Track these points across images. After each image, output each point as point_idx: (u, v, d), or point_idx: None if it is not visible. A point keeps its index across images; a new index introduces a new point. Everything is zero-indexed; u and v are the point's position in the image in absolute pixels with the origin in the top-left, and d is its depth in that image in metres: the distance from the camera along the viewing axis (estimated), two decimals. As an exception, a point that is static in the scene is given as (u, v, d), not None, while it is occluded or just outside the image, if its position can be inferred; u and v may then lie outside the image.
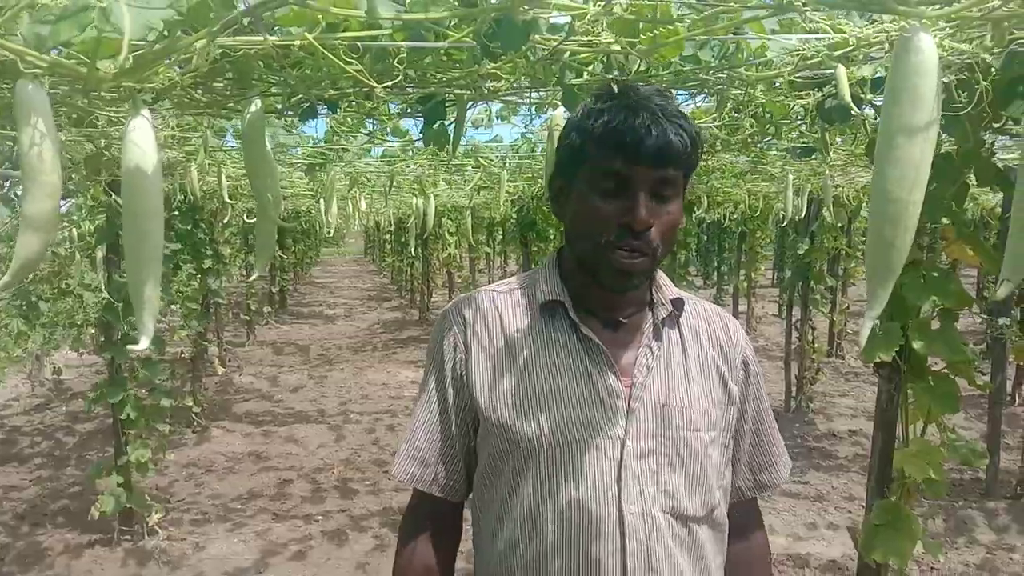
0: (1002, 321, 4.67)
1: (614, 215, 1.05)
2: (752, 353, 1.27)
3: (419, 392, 1.23)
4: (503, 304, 1.19)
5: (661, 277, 1.21)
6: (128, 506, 3.91)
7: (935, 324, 2.04)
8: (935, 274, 1.99)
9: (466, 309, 1.20)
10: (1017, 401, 6.49)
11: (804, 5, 0.70)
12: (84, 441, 5.82)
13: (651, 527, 1.08)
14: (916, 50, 0.70)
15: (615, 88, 1.08)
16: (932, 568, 3.66)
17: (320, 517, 4.41)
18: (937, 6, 0.72)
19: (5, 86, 1.21)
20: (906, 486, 2.09)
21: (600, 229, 1.06)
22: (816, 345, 6.32)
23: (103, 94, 1.03)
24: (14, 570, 3.74)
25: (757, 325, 10.92)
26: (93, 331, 7.49)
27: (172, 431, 4.80)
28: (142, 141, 0.86)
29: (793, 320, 6.45)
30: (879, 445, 2.19)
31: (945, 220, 1.94)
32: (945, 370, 2.04)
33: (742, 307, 10.88)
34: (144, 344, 0.88)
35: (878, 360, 2.05)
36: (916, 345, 2.00)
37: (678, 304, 1.19)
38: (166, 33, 0.79)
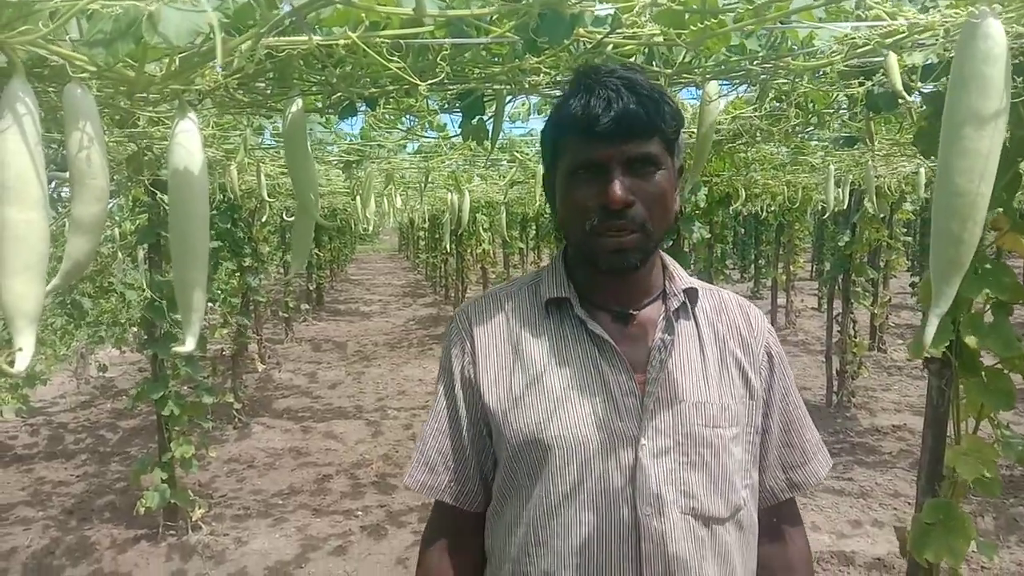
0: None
1: (593, 199, 1.03)
2: (777, 343, 1.21)
3: (433, 401, 1.20)
4: (509, 305, 1.17)
5: (674, 267, 1.18)
6: (172, 502, 3.98)
7: (987, 317, 1.98)
8: (988, 266, 1.93)
9: (473, 313, 1.17)
10: (1068, 395, 6.31)
11: (865, -9, 0.68)
12: (128, 437, 5.94)
13: (669, 529, 1.04)
14: (984, 36, 0.67)
15: (576, 76, 1.06)
16: (983, 567, 3.57)
17: (360, 512, 4.44)
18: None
19: (51, 89, 1.22)
20: (957, 484, 2.04)
21: (583, 216, 1.04)
22: (858, 339, 6.20)
23: (147, 95, 1.03)
24: (64, 563, 3.82)
25: (796, 319, 10.76)
26: (136, 329, 7.64)
27: (214, 427, 4.87)
28: (189, 143, 0.86)
29: (834, 313, 6.33)
30: (929, 442, 2.13)
31: (998, 210, 1.88)
32: (998, 365, 1.98)
33: (780, 300, 10.73)
34: (191, 346, 0.89)
35: (927, 355, 1.99)
36: (968, 340, 1.95)
37: (691, 294, 1.15)
38: (211, 36, 0.78)
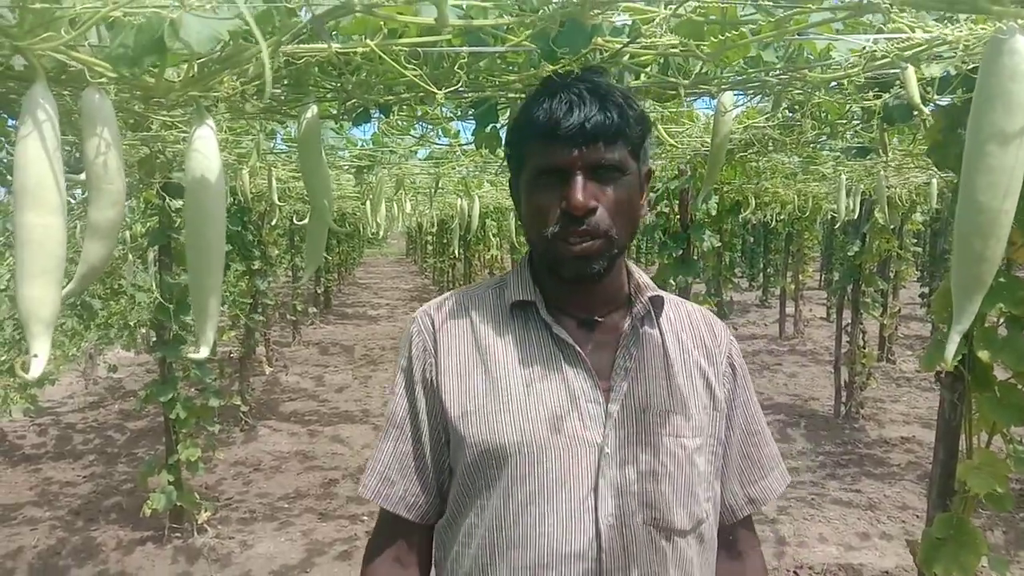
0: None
1: (554, 205, 1.01)
2: (739, 355, 1.19)
3: (389, 404, 1.15)
4: (473, 307, 1.13)
5: (640, 276, 1.15)
6: (178, 504, 3.98)
7: (1001, 331, 1.96)
8: (1002, 280, 1.92)
9: (435, 313, 1.14)
10: (1079, 409, 6.26)
11: (889, 6, 0.67)
12: (135, 439, 5.95)
13: (630, 540, 1.01)
14: (1011, 52, 0.67)
15: (541, 83, 1.05)
16: (992, 582, 3.54)
17: (365, 517, 4.43)
18: (1031, 5, 0.68)
19: (66, 93, 1.23)
20: (968, 499, 2.02)
21: (544, 221, 1.02)
22: (867, 349, 6.18)
23: (160, 99, 1.03)
24: (70, 564, 3.83)
25: (804, 328, 10.72)
26: (144, 330, 7.67)
27: (220, 430, 4.88)
28: (207, 150, 0.86)
29: (843, 324, 6.31)
30: (941, 456, 2.12)
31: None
32: (1012, 380, 1.97)
33: (789, 309, 10.70)
34: (205, 352, 0.88)
35: (939, 369, 1.98)
36: (981, 354, 1.93)
37: (656, 303, 1.13)
38: (230, 43, 0.79)
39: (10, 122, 2.08)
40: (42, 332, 0.73)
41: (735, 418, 1.16)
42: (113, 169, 0.95)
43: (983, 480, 1.94)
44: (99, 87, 0.92)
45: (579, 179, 0.99)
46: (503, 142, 1.11)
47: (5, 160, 2.67)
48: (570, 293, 1.10)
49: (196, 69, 0.84)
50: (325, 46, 0.86)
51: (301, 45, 0.85)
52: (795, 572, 3.70)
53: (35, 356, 0.71)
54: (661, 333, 1.12)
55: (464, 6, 0.90)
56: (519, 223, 1.15)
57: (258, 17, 0.76)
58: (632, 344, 1.09)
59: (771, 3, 0.76)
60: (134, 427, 6.23)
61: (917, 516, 4.32)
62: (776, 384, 7.78)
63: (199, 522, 4.13)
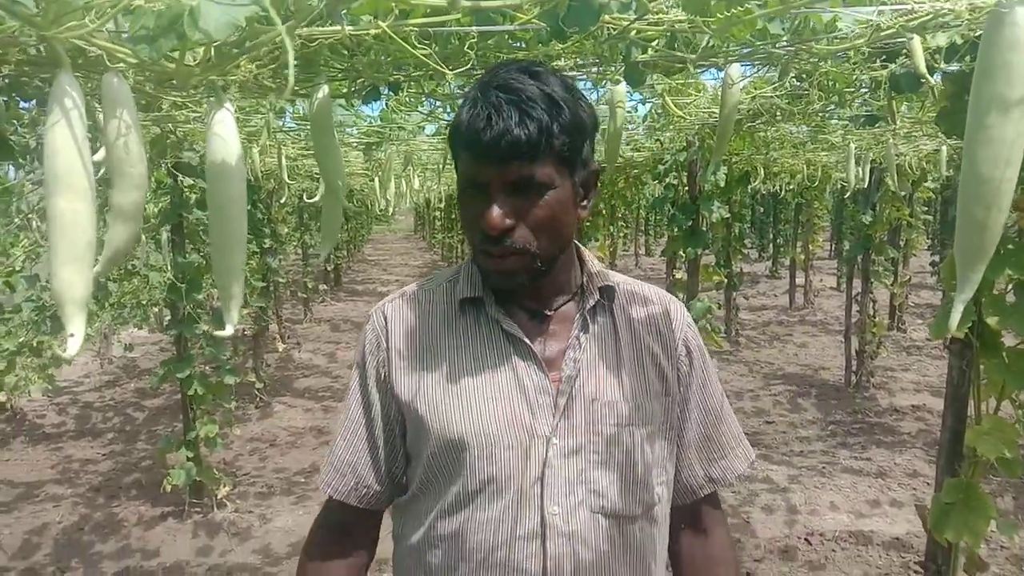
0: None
1: (477, 217, 1.00)
2: (696, 337, 1.19)
3: (344, 399, 1.18)
4: (426, 304, 1.14)
5: (592, 263, 1.15)
6: (197, 479, 4.05)
7: (1009, 298, 1.98)
8: (1010, 247, 1.93)
9: (389, 312, 1.14)
10: (1090, 374, 6.26)
11: (892, -19, 0.69)
12: (153, 416, 6.04)
13: (576, 528, 1.03)
14: (1012, 24, 0.68)
15: (479, 80, 1.02)
16: (1001, 547, 3.58)
17: (381, 490, 4.50)
18: (1033, -24, 0.69)
19: (78, 76, 1.25)
20: (977, 464, 2.05)
21: (471, 232, 1.03)
22: (877, 319, 6.18)
23: (179, 83, 1.05)
24: (94, 539, 3.91)
25: (814, 298, 10.72)
26: (157, 309, 7.74)
27: (236, 406, 4.94)
28: (226, 134, 0.88)
29: (853, 293, 6.31)
30: (949, 422, 2.14)
31: (1020, 188, 1.87)
32: (1020, 345, 1.98)
33: (799, 280, 10.69)
34: (230, 330, 0.91)
35: (948, 336, 2.00)
36: (990, 320, 1.95)
37: (607, 291, 1.13)
38: (246, 28, 0.80)
39: (22, 104, 2.09)
40: (76, 313, 0.76)
41: (691, 400, 1.17)
42: (134, 152, 0.97)
43: (992, 445, 1.96)
44: (118, 71, 0.94)
45: (498, 196, 0.98)
46: None
47: (18, 142, 2.70)
48: (520, 288, 1.09)
49: (213, 53, 0.86)
50: (338, 28, 0.88)
51: (315, 28, 0.87)
52: (806, 539, 3.75)
53: (71, 336, 0.74)
54: (613, 322, 1.13)
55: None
56: None
57: (273, 1, 0.78)
58: (582, 334, 1.10)
59: (776, -22, 0.77)
60: (151, 405, 6.32)
61: (927, 483, 4.36)
62: (786, 354, 7.80)
63: (218, 497, 4.20)
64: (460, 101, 1.04)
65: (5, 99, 1.71)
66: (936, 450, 3.13)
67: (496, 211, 0.97)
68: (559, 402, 1.06)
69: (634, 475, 1.08)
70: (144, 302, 6.75)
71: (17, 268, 4.53)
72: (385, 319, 1.14)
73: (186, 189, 3.81)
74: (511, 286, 1.06)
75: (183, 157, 3.40)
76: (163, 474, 4.14)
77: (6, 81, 1.47)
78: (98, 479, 4.72)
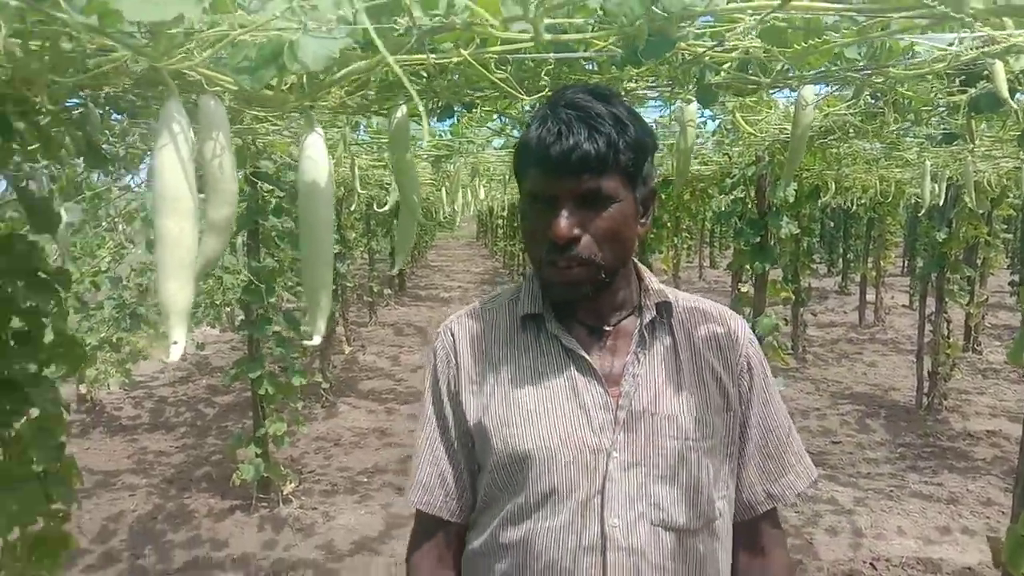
0: None
1: (543, 230, 1.03)
2: (758, 352, 1.21)
3: (421, 415, 1.22)
4: (490, 321, 1.19)
5: (651, 280, 1.18)
6: (265, 475, 4.19)
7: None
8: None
9: (456, 328, 1.19)
10: None
11: (972, 18, 0.69)
12: (224, 413, 6.25)
13: (636, 541, 1.05)
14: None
15: (548, 99, 1.05)
16: (1080, 582, 3.43)
17: (440, 495, 4.56)
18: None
19: (145, 94, 1.33)
20: (1055, 496, 1.98)
21: (537, 245, 1.06)
22: (951, 339, 5.98)
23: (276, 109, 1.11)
24: (166, 528, 4.08)
25: (885, 316, 10.42)
26: (229, 309, 8.00)
27: (303, 406, 5.08)
28: (318, 156, 0.94)
29: (927, 312, 6.12)
30: (1026, 451, 2.08)
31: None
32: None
33: (870, 296, 10.40)
34: (318, 340, 0.97)
35: (1027, 362, 1.94)
36: (1071, 348, 1.89)
37: (665, 307, 1.16)
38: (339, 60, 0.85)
39: (114, 116, 2.21)
40: (180, 323, 0.82)
41: (752, 416, 1.18)
42: (228, 171, 1.03)
43: (1070, 477, 1.90)
44: (214, 95, 1.01)
45: (566, 208, 1.02)
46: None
47: (109, 151, 2.85)
48: (580, 304, 1.13)
49: (306, 80, 0.91)
50: (424, 56, 0.93)
51: (403, 56, 0.91)
52: (872, 564, 3.66)
53: (175, 343, 0.80)
54: (673, 337, 1.16)
55: (556, 22, 0.95)
56: None
57: (367, 34, 0.83)
58: (641, 350, 1.12)
59: (854, 12, 0.78)
60: (221, 401, 6.54)
61: (1002, 512, 4.20)
62: (855, 373, 7.61)
63: (284, 493, 4.33)
64: (529, 118, 1.08)
65: (100, 112, 1.82)
66: (1012, 478, 3.01)
67: (564, 220, 1.01)
68: (619, 416, 1.08)
69: (695, 489, 1.10)
70: (218, 302, 6.99)
71: (103, 268, 4.76)
72: (453, 336, 1.19)
73: (263, 196, 3.94)
74: (575, 296, 1.09)
75: (260, 166, 3.53)
76: (232, 468, 4.28)
77: (104, 97, 1.57)
78: (171, 471, 4.92)
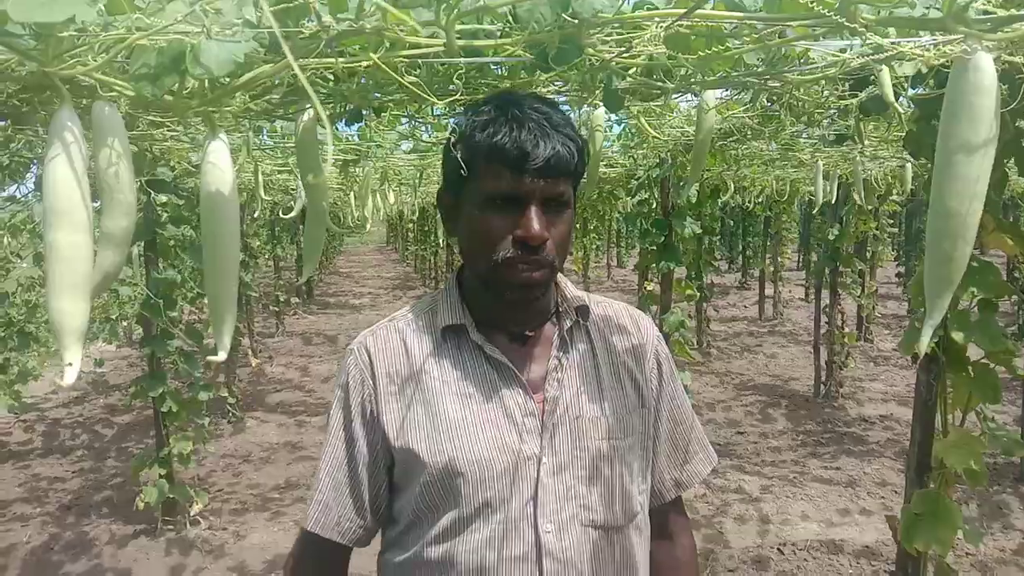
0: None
1: (508, 230, 1.03)
2: (664, 349, 1.26)
3: (326, 435, 1.19)
4: (407, 334, 1.16)
5: (565, 285, 1.19)
6: (171, 496, 4.01)
7: (974, 314, 2.04)
8: (974, 264, 1.99)
9: (371, 344, 1.15)
10: (1050, 384, 6.44)
11: (864, 28, 0.73)
12: (123, 433, 5.95)
13: (569, 544, 1.07)
14: (975, 69, 0.72)
15: (494, 101, 1.06)
16: (967, 554, 3.67)
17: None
18: (991, 25, 0.74)
19: (32, 98, 1.25)
20: (945, 475, 2.11)
21: (494, 245, 1.04)
22: (846, 329, 6.30)
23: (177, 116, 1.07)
24: (63, 559, 3.85)
25: (784, 309, 10.87)
26: (126, 323, 7.64)
27: (209, 422, 4.89)
28: (221, 164, 0.90)
29: (822, 304, 6.42)
30: (918, 435, 2.20)
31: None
32: (984, 360, 2.05)
33: (768, 291, 10.84)
34: (223, 356, 0.93)
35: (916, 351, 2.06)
36: (955, 336, 2.01)
37: (582, 310, 1.17)
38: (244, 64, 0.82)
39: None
40: (74, 343, 0.77)
41: (662, 410, 1.23)
42: (124, 180, 0.98)
43: (959, 457, 2.02)
44: (110, 101, 0.95)
45: (535, 209, 1.03)
46: (445, 151, 1.10)
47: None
48: (504, 311, 1.13)
49: (208, 85, 0.88)
50: (332, 60, 0.90)
51: (311, 59, 0.89)
52: (779, 549, 3.80)
53: (69, 365, 0.76)
54: (590, 340, 1.18)
55: (468, 28, 0.94)
56: (449, 235, 1.17)
57: (274, 39, 0.80)
58: (562, 354, 1.14)
59: (755, 20, 0.80)
60: (120, 421, 6.23)
61: (896, 492, 4.44)
62: (757, 365, 7.91)
63: (191, 514, 4.16)
64: (467, 121, 1.07)
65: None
66: (904, 459, 3.17)
67: (538, 221, 1.02)
68: (545, 422, 1.09)
69: (618, 486, 1.12)
70: (114, 317, 6.67)
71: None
72: (368, 354, 1.15)
73: (159, 206, 3.78)
74: (532, 298, 1.09)
75: (158, 173, 3.39)
76: (134, 492, 4.09)
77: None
78: (67, 497, 4.65)
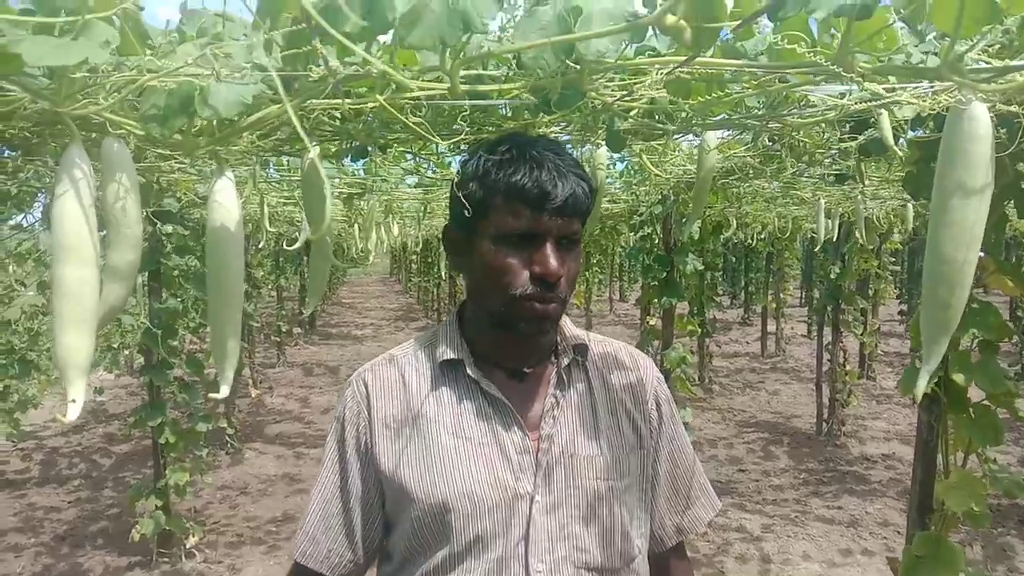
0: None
1: (524, 266, 1.05)
2: (665, 391, 1.25)
3: (320, 467, 1.18)
4: (406, 368, 1.16)
5: (565, 323, 1.20)
6: (167, 528, 3.98)
7: (975, 355, 2.04)
8: (975, 306, 2.00)
9: (369, 378, 1.16)
10: (1054, 424, 6.40)
11: (861, 77, 0.74)
12: (121, 462, 5.92)
13: None
14: (970, 119, 0.74)
15: (510, 142, 1.08)
16: (972, 597, 3.61)
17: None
18: (988, 75, 0.75)
19: (42, 131, 1.27)
20: (947, 517, 2.09)
21: (511, 281, 1.05)
22: (848, 367, 6.28)
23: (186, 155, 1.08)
24: (57, 591, 3.81)
25: (786, 346, 10.84)
26: (127, 353, 7.63)
27: (207, 453, 4.86)
28: (227, 202, 0.91)
29: (824, 342, 6.41)
30: (919, 476, 2.19)
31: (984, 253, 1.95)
32: (986, 401, 2.04)
33: (770, 327, 10.82)
34: (225, 392, 0.93)
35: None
36: (956, 377, 2.01)
37: (580, 349, 1.18)
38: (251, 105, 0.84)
39: (6, 152, 2.10)
40: (78, 378, 0.78)
41: (662, 452, 1.22)
42: (132, 214, 0.99)
43: (961, 498, 2.01)
44: (119, 137, 0.97)
45: (551, 247, 1.05)
46: (454, 187, 1.12)
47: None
48: (504, 345, 1.14)
49: (216, 125, 0.89)
50: (339, 101, 0.92)
51: (318, 100, 0.90)
52: (780, 590, 3.75)
53: (72, 401, 0.76)
54: (588, 378, 1.18)
55: (472, 73, 0.96)
56: (455, 269, 1.18)
57: (282, 79, 0.82)
58: (559, 392, 1.14)
59: (755, 68, 0.82)
60: (119, 451, 6.20)
61: (898, 532, 4.40)
62: (759, 402, 7.87)
63: (187, 547, 4.12)
64: (482, 160, 1.08)
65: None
66: (907, 498, 3.14)
67: (555, 258, 1.05)
68: (540, 460, 1.09)
69: (615, 528, 1.11)
70: (115, 345, 6.66)
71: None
72: (366, 387, 1.15)
73: (164, 237, 3.80)
74: (544, 332, 1.11)
75: (164, 204, 3.41)
76: (130, 523, 4.06)
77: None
78: (63, 527, 4.61)
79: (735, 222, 6.04)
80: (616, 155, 2.61)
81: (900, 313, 12.53)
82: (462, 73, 0.74)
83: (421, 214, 4.02)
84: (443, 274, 10.44)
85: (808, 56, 0.71)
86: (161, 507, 3.98)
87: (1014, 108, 0.82)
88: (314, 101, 0.96)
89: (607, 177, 3.52)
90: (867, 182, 3.36)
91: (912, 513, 2.21)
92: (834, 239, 5.26)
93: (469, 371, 1.12)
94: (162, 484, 4.00)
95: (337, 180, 3.06)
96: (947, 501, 2.02)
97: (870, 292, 7.47)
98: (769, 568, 4.00)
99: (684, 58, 0.78)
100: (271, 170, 2.92)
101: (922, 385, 0.82)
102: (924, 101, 0.80)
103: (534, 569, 1.05)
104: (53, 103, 0.76)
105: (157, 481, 4.03)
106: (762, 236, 8.67)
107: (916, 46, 0.92)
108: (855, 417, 6.85)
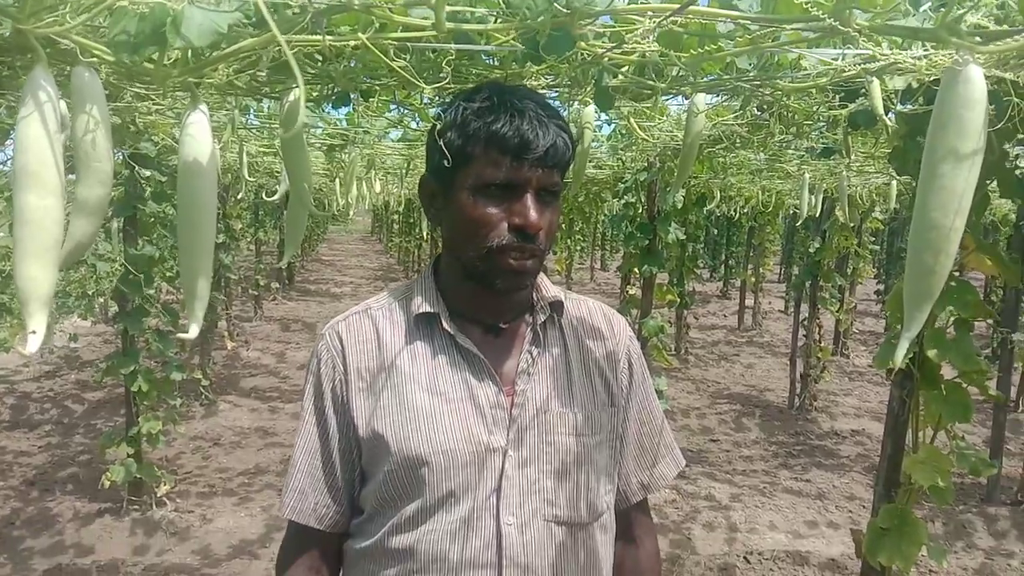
0: (1016, 337, 4.75)
1: (503, 218, 1.03)
2: (637, 350, 1.26)
3: (299, 422, 1.18)
4: (380, 320, 1.14)
5: (542, 280, 1.19)
6: (138, 476, 3.96)
7: (950, 332, 2.05)
8: (952, 284, 2.01)
9: (343, 330, 1.14)
10: (1021, 407, 6.51)
11: (858, 32, 0.72)
12: (93, 410, 5.88)
13: (531, 538, 1.07)
14: (965, 81, 0.72)
15: (490, 90, 1.06)
16: (931, 571, 3.70)
17: (325, 494, 4.45)
18: (982, 40, 0.74)
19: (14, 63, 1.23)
20: (912, 491, 2.12)
21: (488, 233, 1.03)
22: (822, 344, 6.34)
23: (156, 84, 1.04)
24: (24, 534, 3.80)
25: (763, 320, 10.93)
26: (102, 300, 7.55)
27: (181, 404, 4.84)
28: (200, 135, 0.88)
29: (800, 318, 6.46)
30: (888, 450, 2.21)
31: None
32: (957, 379, 2.06)
33: (748, 301, 10.90)
34: (194, 333, 0.91)
35: (891, 367, 2.07)
36: (930, 353, 2.02)
37: (557, 306, 1.17)
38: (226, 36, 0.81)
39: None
40: (39, 310, 0.75)
41: (632, 410, 1.23)
42: (102, 147, 0.96)
43: (927, 474, 2.03)
44: (89, 65, 0.93)
45: (531, 198, 1.03)
46: (432, 137, 1.09)
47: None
48: (481, 300, 1.12)
49: (191, 55, 0.86)
50: (319, 37, 0.89)
51: (296, 36, 0.87)
52: (745, 557, 3.82)
53: (32, 332, 0.73)
54: (562, 335, 1.18)
55: (459, 10, 0.93)
56: (431, 221, 1.16)
57: (258, 9, 0.78)
58: (534, 348, 1.13)
59: (747, 21, 0.80)
60: (91, 398, 6.16)
61: (864, 506, 4.48)
62: (733, 374, 7.95)
63: (158, 495, 4.12)
64: (461, 108, 1.05)
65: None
66: (874, 474, 3.20)
67: (536, 209, 1.03)
68: (514, 415, 1.09)
69: (585, 483, 1.12)
70: (90, 292, 6.59)
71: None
72: (340, 339, 1.14)
73: (142, 181, 3.73)
74: (522, 286, 1.10)
75: (141, 148, 3.34)
76: (101, 470, 4.04)
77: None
78: (32, 472, 4.59)
79: (719, 194, 6.04)
80: (604, 117, 2.58)
81: (877, 293, 12.66)
82: (448, 9, 0.71)
83: (404, 171, 3.97)
84: (424, 235, 10.38)
85: (805, 7, 0.69)
86: (132, 455, 3.96)
87: (1008, 75, 0.81)
88: (293, 36, 0.92)
89: (594, 140, 3.49)
90: (853, 157, 3.35)
91: (879, 486, 2.24)
92: (816, 215, 5.27)
93: (445, 325, 1.11)
94: (134, 432, 3.98)
95: (319, 130, 3.00)
96: (914, 475, 2.04)
97: (848, 270, 7.52)
98: (735, 536, 4.06)
99: (677, 6, 0.75)
100: (251, 116, 2.86)
101: (901, 353, 0.81)
102: (920, 62, 0.79)
103: (505, 522, 1.05)
104: (16, 20, 0.72)
105: (129, 429, 4.01)
106: (745, 210, 8.69)
107: (913, 15, 0.90)
108: (827, 393, 6.94)
